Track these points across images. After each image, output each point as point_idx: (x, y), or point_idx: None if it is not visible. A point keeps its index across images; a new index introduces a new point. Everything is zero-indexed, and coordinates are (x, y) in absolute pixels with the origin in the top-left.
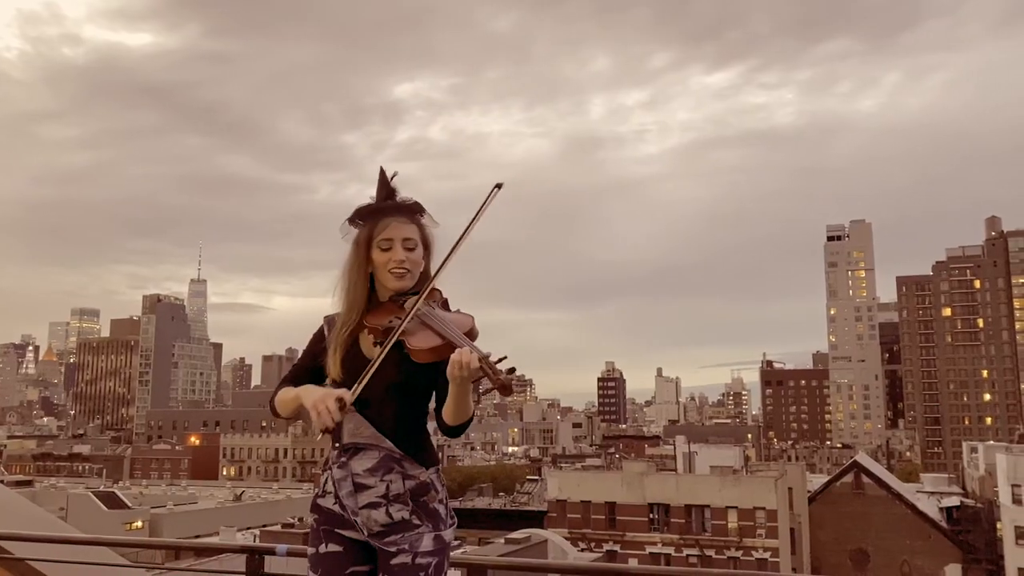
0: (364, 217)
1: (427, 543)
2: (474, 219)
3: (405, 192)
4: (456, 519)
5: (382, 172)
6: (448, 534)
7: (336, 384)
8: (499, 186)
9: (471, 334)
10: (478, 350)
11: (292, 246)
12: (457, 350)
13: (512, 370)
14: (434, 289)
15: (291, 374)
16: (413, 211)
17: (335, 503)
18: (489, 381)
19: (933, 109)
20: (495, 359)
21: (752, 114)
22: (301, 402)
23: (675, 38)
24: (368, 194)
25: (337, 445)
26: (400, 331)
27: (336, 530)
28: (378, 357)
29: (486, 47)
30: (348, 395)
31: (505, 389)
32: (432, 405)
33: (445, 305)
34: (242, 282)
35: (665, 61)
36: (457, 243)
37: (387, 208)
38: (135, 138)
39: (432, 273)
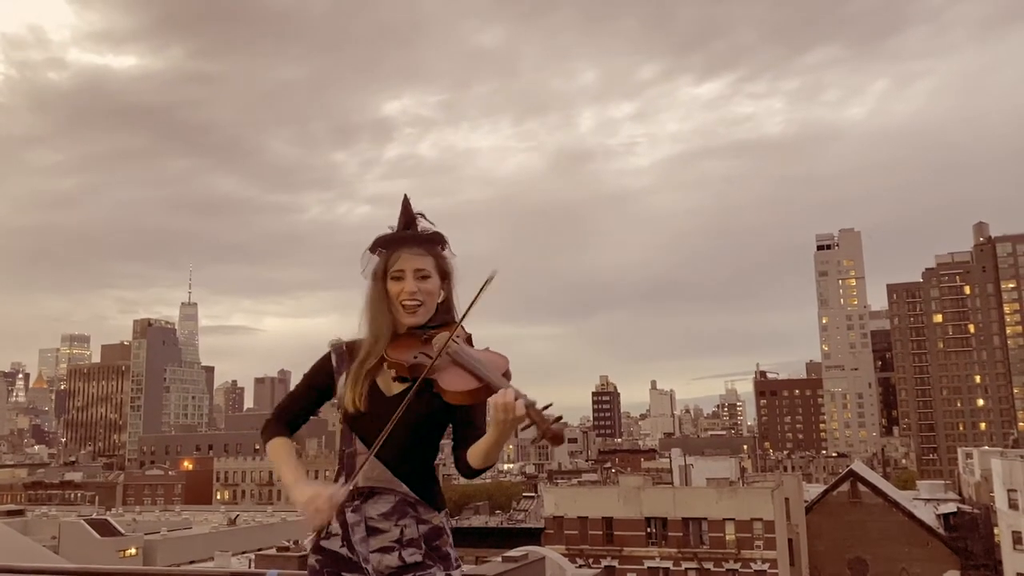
0: (380, 247)
1: None
2: (471, 305)
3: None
4: (461, 563)
5: (405, 199)
6: (457, 574)
7: (350, 416)
8: (492, 276)
9: (506, 376)
10: (523, 395)
11: (283, 267)
12: (500, 392)
13: (559, 418)
14: (459, 324)
15: (288, 406)
16: (429, 242)
17: (342, 545)
18: (537, 429)
19: (920, 116)
20: (540, 406)
21: (741, 124)
22: (287, 491)
23: (662, 49)
24: (359, 212)
25: (350, 488)
26: (430, 368)
27: (342, 573)
28: (403, 405)
29: (473, 62)
30: (339, 495)
31: (556, 439)
32: (442, 440)
33: (469, 341)
34: (233, 304)
35: (653, 73)
36: (459, 322)
37: (401, 239)
38: (122, 161)
39: (456, 309)
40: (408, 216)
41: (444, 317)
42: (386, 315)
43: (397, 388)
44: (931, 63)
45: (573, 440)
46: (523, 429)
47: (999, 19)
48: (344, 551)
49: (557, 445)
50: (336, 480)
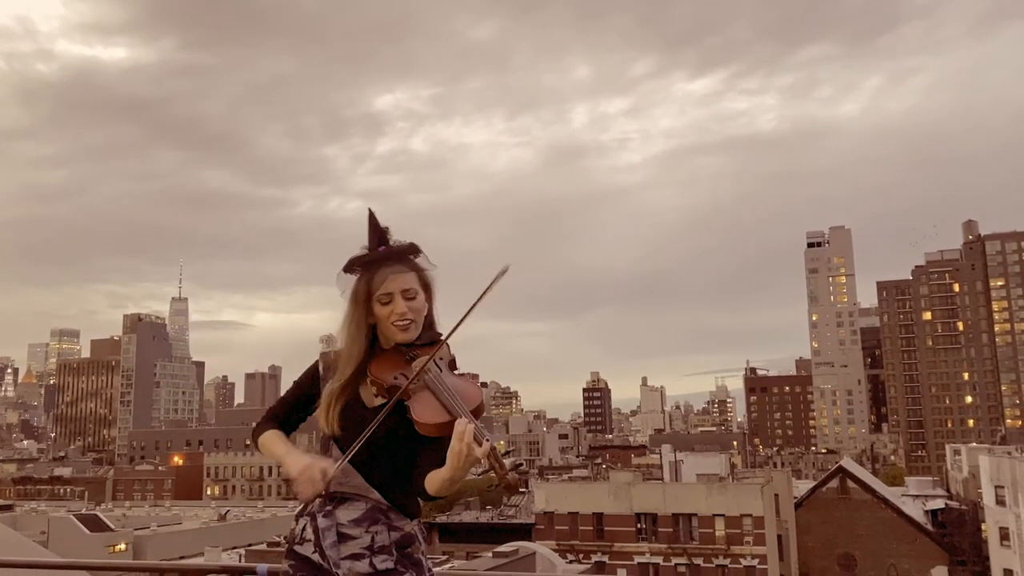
0: (359, 268)
1: None
2: (481, 297)
3: (399, 234)
4: (433, 572)
5: (371, 215)
6: None
7: (332, 436)
8: (505, 270)
9: (478, 411)
10: (485, 436)
11: (273, 261)
12: (457, 436)
13: (519, 465)
14: (442, 344)
15: (278, 410)
16: (409, 256)
17: (314, 552)
18: (495, 474)
19: (913, 113)
20: (502, 452)
21: (734, 120)
22: (281, 465)
23: (656, 45)
24: (350, 207)
25: (322, 493)
26: (403, 392)
27: None
28: (373, 423)
29: (467, 56)
30: (332, 468)
31: (510, 488)
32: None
33: (452, 364)
34: (223, 299)
35: (646, 68)
36: (463, 317)
37: (382, 257)
38: (112, 154)
39: (437, 323)
40: (379, 232)
41: (429, 334)
42: (362, 340)
43: (378, 401)
44: (925, 60)
45: (564, 436)
46: (480, 474)
47: (992, 16)
48: (316, 557)
49: (511, 495)
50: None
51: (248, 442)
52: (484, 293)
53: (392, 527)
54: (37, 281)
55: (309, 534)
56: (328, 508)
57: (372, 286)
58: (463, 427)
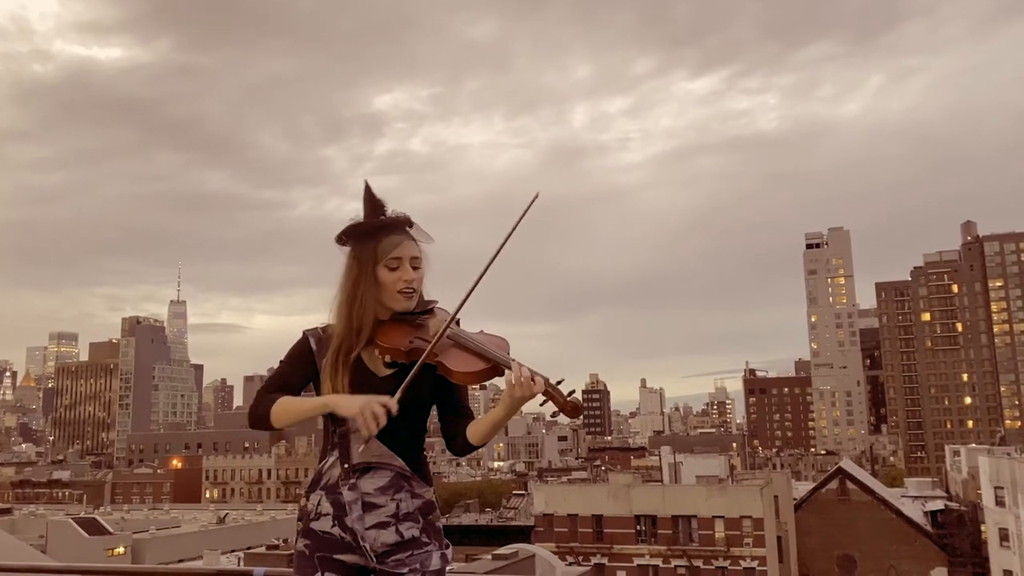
0: (368, 233)
1: (436, 561)
2: (513, 229)
3: (393, 205)
4: (449, 545)
5: (367, 186)
6: (449, 553)
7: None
8: (536, 197)
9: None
10: (537, 372)
11: (272, 263)
12: (517, 368)
13: (572, 391)
14: (443, 310)
15: (276, 384)
16: (409, 226)
17: (333, 525)
18: (554, 404)
19: (914, 112)
20: (553, 381)
21: (735, 120)
22: (331, 409)
23: (657, 44)
24: (349, 208)
25: (345, 465)
26: (430, 352)
27: (334, 556)
28: (412, 374)
29: (466, 56)
30: (392, 402)
31: (575, 410)
32: (432, 422)
33: (457, 324)
34: (222, 301)
35: (647, 67)
36: (494, 257)
37: (393, 224)
38: (109, 156)
39: (423, 289)
40: (377, 203)
41: (424, 303)
42: (371, 304)
43: (388, 371)
44: (926, 59)
45: (563, 438)
46: (541, 404)
47: (994, 15)
48: (336, 531)
49: (575, 417)
50: (322, 460)
51: (247, 443)
52: (518, 222)
53: (414, 494)
54: (35, 284)
55: (326, 508)
56: (352, 480)
57: (380, 251)
58: (519, 369)
